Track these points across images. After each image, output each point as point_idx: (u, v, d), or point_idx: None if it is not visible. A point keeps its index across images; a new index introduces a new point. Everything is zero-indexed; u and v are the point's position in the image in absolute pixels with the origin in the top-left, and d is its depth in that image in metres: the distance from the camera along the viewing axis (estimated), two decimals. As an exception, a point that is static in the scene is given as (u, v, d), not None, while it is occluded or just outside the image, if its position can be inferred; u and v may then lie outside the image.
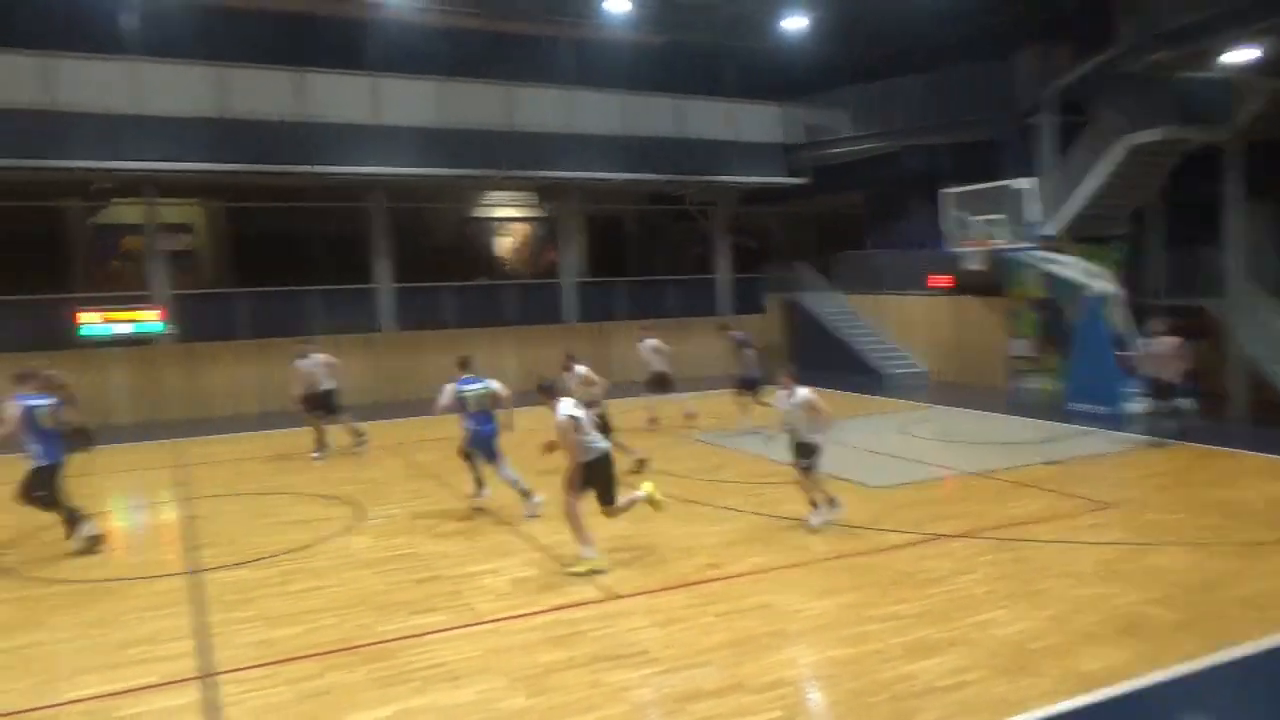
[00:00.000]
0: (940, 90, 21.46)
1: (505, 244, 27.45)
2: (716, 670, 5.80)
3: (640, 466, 11.38)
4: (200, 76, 18.01)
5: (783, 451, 9.52)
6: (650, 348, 15.34)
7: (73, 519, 9.00)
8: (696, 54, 24.28)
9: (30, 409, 8.79)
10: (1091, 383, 15.71)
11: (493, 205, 27.02)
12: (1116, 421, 14.30)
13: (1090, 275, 16.51)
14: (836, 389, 16.81)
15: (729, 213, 25.43)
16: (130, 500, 12.29)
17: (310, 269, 21.25)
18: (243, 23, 19.80)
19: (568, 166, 21.37)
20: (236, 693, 5.74)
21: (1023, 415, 15.66)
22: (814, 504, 9.04)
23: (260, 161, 18.35)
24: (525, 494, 9.74)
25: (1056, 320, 17.82)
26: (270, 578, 8.03)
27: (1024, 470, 11.28)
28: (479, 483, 10.18)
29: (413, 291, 21.48)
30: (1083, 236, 18.02)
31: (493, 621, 6.80)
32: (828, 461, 9.16)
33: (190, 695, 5.73)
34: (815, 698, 5.66)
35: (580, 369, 11.56)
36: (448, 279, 22.45)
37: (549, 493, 9.34)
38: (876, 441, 13.54)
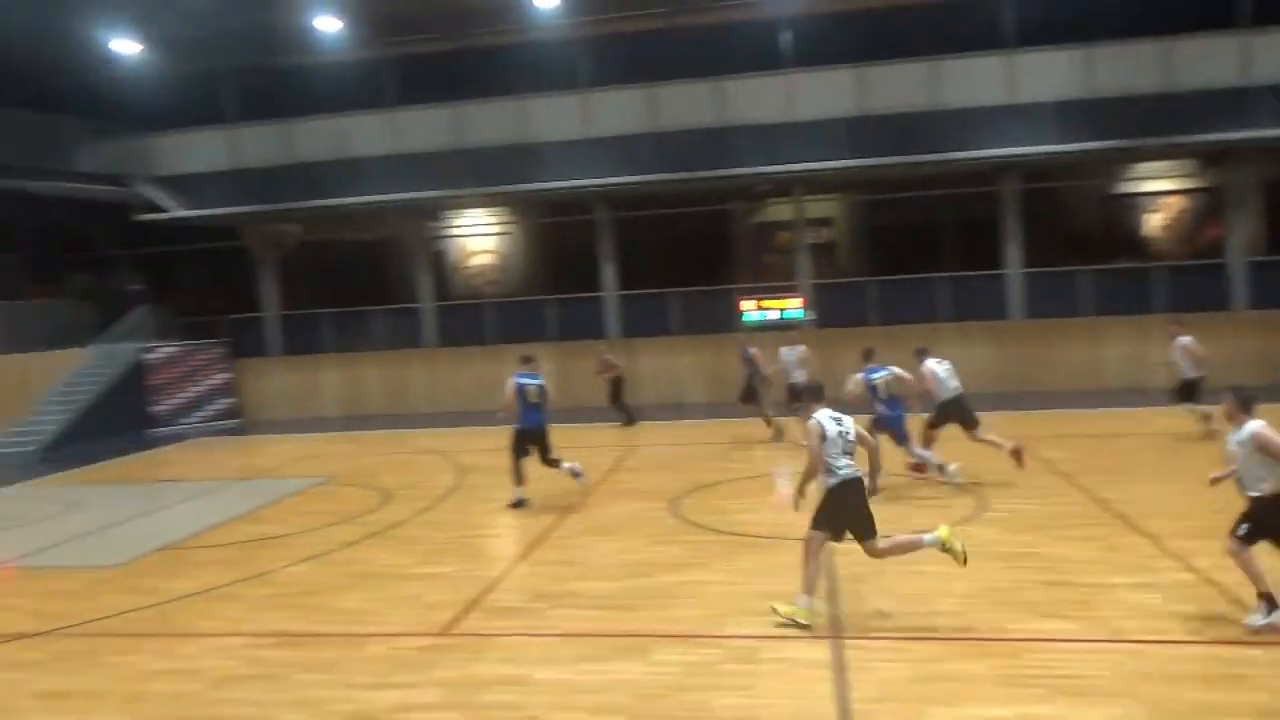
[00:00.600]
0: None
1: (1154, 221, 24.26)
2: None
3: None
4: (842, 78, 19.47)
5: None
6: (1181, 346, 13.04)
7: (559, 467, 11.13)
8: None
9: (526, 386, 11.02)
10: None
11: (1140, 179, 24.09)
12: None
13: None
14: None
15: None
16: (789, 467, 13.16)
17: (939, 256, 21.54)
18: (880, 21, 20.61)
19: (1243, 126, 18.14)
20: (860, 657, 6.13)
21: None
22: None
23: (896, 153, 19.21)
24: (940, 468, 10.71)
25: None
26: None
27: None
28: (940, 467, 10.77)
29: (1043, 277, 20.38)
30: None
31: (1134, 642, 6.17)
32: None
33: (821, 652, 6.27)
34: None
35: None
36: (1083, 263, 20.77)
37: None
38: None
